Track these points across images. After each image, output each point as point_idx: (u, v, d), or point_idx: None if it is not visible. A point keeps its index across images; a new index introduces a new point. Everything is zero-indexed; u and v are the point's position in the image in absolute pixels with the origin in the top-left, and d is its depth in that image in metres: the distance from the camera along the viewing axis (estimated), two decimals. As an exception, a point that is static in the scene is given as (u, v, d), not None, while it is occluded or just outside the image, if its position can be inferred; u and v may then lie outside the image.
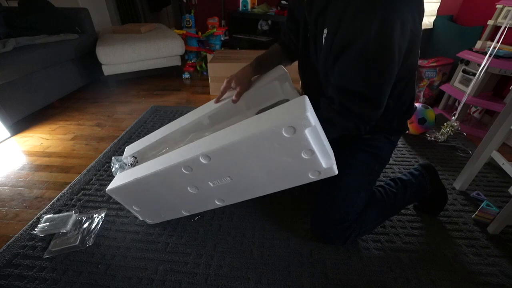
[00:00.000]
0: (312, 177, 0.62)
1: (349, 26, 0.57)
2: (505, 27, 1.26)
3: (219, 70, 1.93)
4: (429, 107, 1.39)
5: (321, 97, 0.71)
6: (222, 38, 2.60)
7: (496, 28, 1.49)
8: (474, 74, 1.43)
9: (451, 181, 1.10)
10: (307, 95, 0.87)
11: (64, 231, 0.86)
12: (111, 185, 0.78)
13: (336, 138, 0.74)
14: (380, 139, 0.82)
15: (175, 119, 0.95)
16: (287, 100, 0.74)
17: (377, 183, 0.90)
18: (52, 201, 1.01)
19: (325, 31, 0.66)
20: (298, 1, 0.80)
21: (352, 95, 0.63)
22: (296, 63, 0.94)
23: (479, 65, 1.35)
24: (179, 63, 2.26)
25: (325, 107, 0.68)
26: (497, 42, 1.27)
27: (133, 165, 0.85)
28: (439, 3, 2.05)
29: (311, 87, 0.87)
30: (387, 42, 0.55)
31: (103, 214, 0.94)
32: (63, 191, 1.05)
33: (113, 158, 0.86)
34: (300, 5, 0.77)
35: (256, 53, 0.94)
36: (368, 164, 0.82)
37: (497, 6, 1.46)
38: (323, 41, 0.67)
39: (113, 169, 0.84)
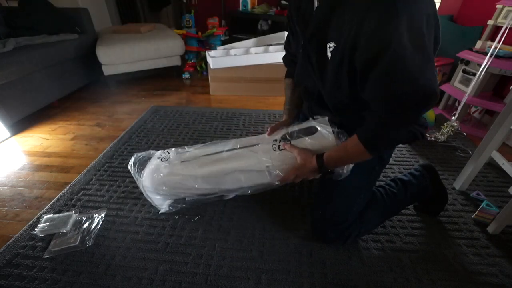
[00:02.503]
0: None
1: (373, 38, 0.51)
2: (506, 27, 1.26)
3: (219, 70, 1.94)
4: (429, 107, 1.39)
5: (365, 113, 0.64)
6: (222, 38, 2.60)
7: (496, 28, 1.49)
8: (474, 74, 1.43)
9: (451, 181, 1.10)
10: (306, 97, 0.87)
11: (64, 231, 0.86)
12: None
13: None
14: None
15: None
16: (315, 128, 0.77)
17: (377, 183, 0.90)
18: (52, 201, 1.01)
19: (330, 45, 0.62)
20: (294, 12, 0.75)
21: (404, 99, 0.54)
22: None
23: (479, 65, 1.35)
24: (179, 63, 2.27)
25: (374, 123, 0.62)
26: (498, 42, 1.27)
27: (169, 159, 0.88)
28: (439, 3, 2.05)
29: (311, 91, 0.85)
30: (420, 43, 0.50)
31: (103, 214, 0.94)
32: (63, 191, 1.05)
33: (136, 154, 0.91)
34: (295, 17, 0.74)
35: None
36: (368, 165, 0.81)
37: (497, 6, 1.46)
38: (329, 55, 0.63)
39: (131, 165, 0.88)
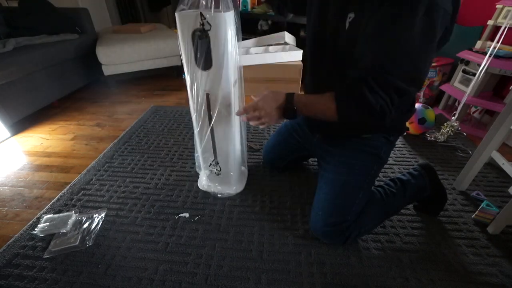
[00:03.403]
0: None
1: (394, 7, 0.54)
2: (505, 27, 1.26)
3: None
4: (429, 107, 1.39)
5: (348, 73, 0.65)
6: (222, 38, 2.59)
7: (496, 28, 1.49)
8: (474, 74, 1.43)
9: (451, 181, 1.10)
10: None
11: (64, 231, 0.86)
12: None
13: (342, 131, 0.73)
14: (379, 139, 0.82)
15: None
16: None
17: (377, 183, 0.90)
18: (52, 201, 1.01)
19: (350, 15, 0.63)
20: None
21: (390, 73, 0.58)
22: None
23: (479, 65, 1.35)
24: (179, 63, 2.26)
25: (354, 85, 0.61)
26: (497, 42, 1.27)
27: None
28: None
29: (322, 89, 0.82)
30: (429, 32, 0.53)
31: (103, 214, 0.94)
32: (63, 191, 1.05)
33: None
34: None
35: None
36: (367, 164, 0.82)
37: (497, 6, 1.46)
38: (347, 25, 0.64)
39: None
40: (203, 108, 0.85)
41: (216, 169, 0.99)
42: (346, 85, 0.64)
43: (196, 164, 1.07)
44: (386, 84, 0.58)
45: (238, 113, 0.78)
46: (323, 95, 0.67)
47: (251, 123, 0.73)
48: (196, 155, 1.00)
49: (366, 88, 0.59)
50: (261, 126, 0.75)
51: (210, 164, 0.98)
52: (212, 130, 0.90)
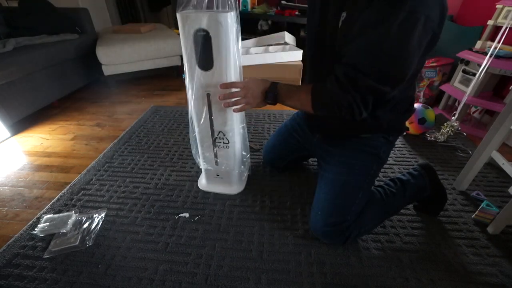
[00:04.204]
0: None
1: (377, 10, 0.56)
2: (506, 27, 1.26)
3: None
4: (429, 107, 1.39)
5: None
6: (222, 38, 2.60)
7: (496, 28, 1.49)
8: (474, 74, 1.43)
9: (451, 181, 1.10)
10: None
11: (64, 231, 0.86)
12: None
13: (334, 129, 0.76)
14: (378, 139, 0.82)
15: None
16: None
17: (377, 183, 0.90)
18: (52, 201, 1.01)
19: (344, 14, 0.65)
20: None
21: (363, 72, 0.60)
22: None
23: (479, 65, 1.35)
24: (179, 63, 2.26)
25: (329, 80, 0.66)
26: (498, 42, 1.27)
27: None
28: (439, 3, 2.04)
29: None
30: (406, 38, 0.55)
31: (103, 214, 0.94)
32: (63, 191, 1.05)
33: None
34: None
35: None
36: (367, 164, 0.82)
37: (497, 6, 1.46)
38: (340, 23, 0.66)
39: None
40: (204, 108, 0.85)
41: (223, 142, 0.95)
42: (324, 80, 0.68)
43: (196, 161, 1.06)
44: (356, 82, 0.61)
45: (224, 86, 0.78)
46: (303, 85, 0.73)
47: (232, 102, 0.77)
48: (193, 152, 1.00)
49: (337, 84, 0.63)
50: (241, 107, 0.77)
51: (216, 138, 0.94)
52: (212, 130, 0.90)
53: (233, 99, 0.77)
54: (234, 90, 0.78)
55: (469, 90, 1.41)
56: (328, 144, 0.89)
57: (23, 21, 1.88)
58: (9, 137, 1.47)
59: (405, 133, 1.45)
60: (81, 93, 2.06)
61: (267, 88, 0.76)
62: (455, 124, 1.38)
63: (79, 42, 1.98)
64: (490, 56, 1.30)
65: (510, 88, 1.37)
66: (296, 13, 2.41)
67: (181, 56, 0.79)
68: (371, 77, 0.60)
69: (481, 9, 1.67)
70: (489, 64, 1.31)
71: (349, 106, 0.64)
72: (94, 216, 0.93)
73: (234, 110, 0.79)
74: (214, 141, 0.93)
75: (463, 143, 1.37)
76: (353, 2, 0.62)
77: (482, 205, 0.90)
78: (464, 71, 1.54)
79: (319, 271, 0.76)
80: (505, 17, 1.43)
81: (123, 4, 3.19)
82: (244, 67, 0.86)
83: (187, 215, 0.94)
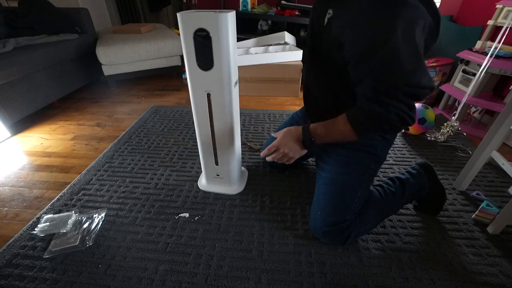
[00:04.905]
0: None
1: (370, 27, 0.56)
2: (507, 28, 1.26)
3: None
4: (429, 107, 1.39)
5: (357, 98, 0.67)
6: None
7: (496, 28, 1.49)
8: (474, 74, 1.43)
9: (451, 181, 1.10)
10: (307, 105, 0.88)
11: (64, 231, 0.86)
12: None
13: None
14: (376, 137, 0.82)
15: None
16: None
17: (376, 182, 0.90)
18: (52, 201, 1.01)
19: (330, 11, 0.65)
20: None
21: (395, 87, 0.59)
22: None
23: (479, 65, 1.35)
24: (179, 63, 2.26)
25: (362, 103, 0.64)
26: (498, 42, 1.27)
27: None
28: (439, 3, 2.05)
29: (312, 96, 0.86)
30: (413, 36, 0.55)
31: (103, 214, 0.94)
32: (63, 191, 1.05)
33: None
34: None
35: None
36: (365, 163, 0.82)
37: (497, 6, 1.46)
38: (325, 21, 0.66)
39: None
40: (204, 108, 0.85)
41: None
42: (357, 106, 0.65)
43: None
44: (391, 92, 0.59)
45: (263, 155, 0.82)
46: (336, 120, 0.70)
47: (277, 161, 0.79)
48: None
49: (376, 104, 0.61)
50: (288, 163, 0.80)
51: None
52: (212, 130, 0.90)
53: (278, 160, 0.79)
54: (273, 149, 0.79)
55: (469, 90, 1.41)
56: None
57: (23, 21, 1.88)
58: (9, 137, 1.47)
59: (403, 131, 1.45)
60: (81, 93, 2.06)
61: (300, 137, 0.76)
62: (455, 124, 1.38)
63: (79, 42, 1.98)
64: (490, 56, 1.30)
65: (510, 88, 1.37)
66: (296, 13, 2.41)
67: (181, 56, 0.80)
68: (400, 81, 0.58)
69: (481, 9, 1.67)
70: (489, 64, 1.31)
71: (400, 117, 0.61)
72: (94, 216, 0.93)
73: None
74: (214, 141, 0.93)
75: (463, 143, 1.37)
76: (345, 0, 0.62)
77: (482, 205, 0.90)
78: (464, 71, 1.54)
79: (319, 271, 0.76)
80: (505, 17, 1.43)
81: (123, 4, 3.19)
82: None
83: (187, 215, 0.95)
